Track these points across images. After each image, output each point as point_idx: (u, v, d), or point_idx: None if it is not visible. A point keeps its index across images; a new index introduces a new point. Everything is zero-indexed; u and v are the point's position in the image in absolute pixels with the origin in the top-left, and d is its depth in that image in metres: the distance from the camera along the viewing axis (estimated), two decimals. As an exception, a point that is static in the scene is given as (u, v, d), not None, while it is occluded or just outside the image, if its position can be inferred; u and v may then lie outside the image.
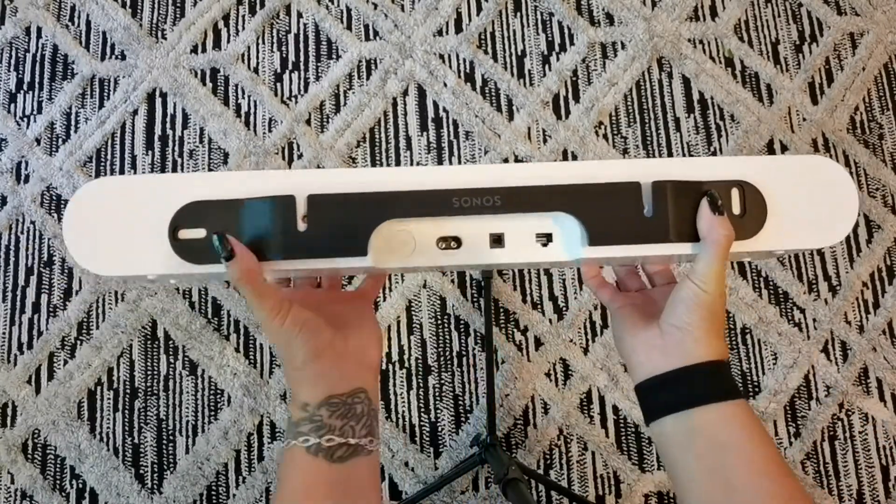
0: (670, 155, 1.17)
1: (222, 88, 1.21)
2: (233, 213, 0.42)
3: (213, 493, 1.05)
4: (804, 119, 1.18)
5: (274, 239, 0.42)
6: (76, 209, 0.44)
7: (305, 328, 0.42)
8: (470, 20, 1.23)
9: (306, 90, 1.21)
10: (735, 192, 0.45)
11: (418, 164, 1.17)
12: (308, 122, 1.19)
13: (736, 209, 0.45)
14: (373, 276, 0.53)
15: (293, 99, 1.20)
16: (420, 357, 1.09)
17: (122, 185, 0.44)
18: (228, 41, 1.23)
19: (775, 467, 0.41)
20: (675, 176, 0.45)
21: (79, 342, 1.10)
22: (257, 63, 1.22)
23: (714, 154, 1.17)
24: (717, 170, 0.46)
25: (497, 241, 0.46)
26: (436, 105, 1.19)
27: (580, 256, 0.45)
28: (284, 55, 1.22)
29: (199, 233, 0.43)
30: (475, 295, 1.11)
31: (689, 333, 0.43)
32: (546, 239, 0.46)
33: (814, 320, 1.10)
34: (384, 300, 1.11)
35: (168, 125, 1.20)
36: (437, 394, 1.08)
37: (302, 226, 0.42)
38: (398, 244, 0.45)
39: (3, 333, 1.11)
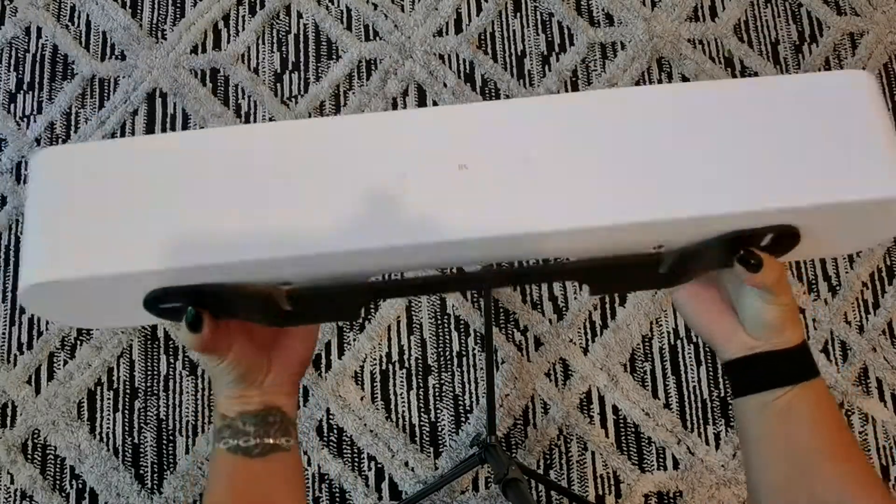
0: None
1: (222, 89, 1.21)
2: (207, 293, 0.39)
3: (213, 493, 1.05)
4: (804, 119, 1.18)
5: (260, 314, 0.41)
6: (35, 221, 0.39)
7: (234, 362, 0.45)
8: (470, 20, 1.23)
9: (306, 90, 1.21)
10: (769, 234, 0.40)
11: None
12: (308, 122, 1.19)
13: (764, 242, 0.40)
14: None
15: (293, 99, 1.21)
16: (420, 357, 1.09)
17: (74, 169, 0.39)
18: (228, 41, 1.23)
19: (841, 437, 0.45)
20: (721, 216, 0.38)
21: (79, 342, 1.10)
22: (257, 63, 1.22)
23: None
24: (757, 206, 0.38)
25: None
26: (436, 105, 1.19)
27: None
28: (284, 55, 1.23)
29: (176, 304, 0.39)
30: (475, 295, 1.11)
31: (782, 336, 0.45)
32: None
33: (814, 320, 1.10)
34: (384, 300, 1.11)
35: (168, 125, 1.20)
36: (437, 394, 1.08)
37: (287, 307, 0.40)
38: None
39: (3, 333, 1.11)
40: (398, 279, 0.40)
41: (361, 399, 1.07)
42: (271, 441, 0.46)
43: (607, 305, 1.11)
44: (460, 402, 1.07)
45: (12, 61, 1.24)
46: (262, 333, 0.48)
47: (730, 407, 1.07)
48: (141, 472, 1.06)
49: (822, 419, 0.44)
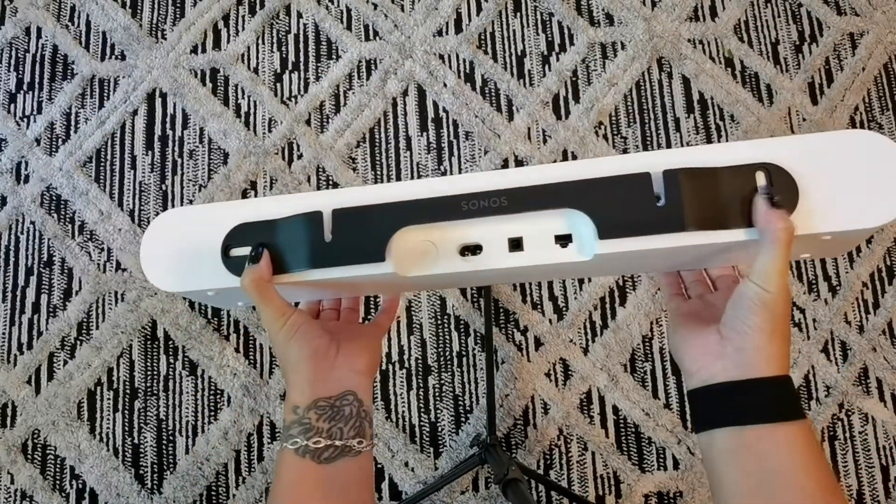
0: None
1: (222, 88, 1.21)
2: (272, 231, 0.48)
3: (213, 493, 1.05)
4: (804, 119, 1.18)
5: (305, 250, 0.47)
6: (150, 239, 0.51)
7: (300, 333, 0.46)
8: (470, 20, 1.23)
9: (306, 90, 1.21)
10: (760, 176, 0.42)
11: (418, 164, 1.17)
12: (308, 122, 1.19)
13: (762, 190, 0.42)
14: (386, 310, 0.57)
15: (293, 99, 1.21)
16: (420, 357, 1.09)
17: (185, 215, 0.52)
18: (228, 41, 1.23)
19: (826, 501, 0.38)
20: (694, 164, 0.43)
21: (79, 342, 1.10)
22: (257, 63, 1.22)
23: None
24: (740, 154, 0.43)
25: (516, 245, 0.46)
26: (436, 105, 1.19)
27: (595, 252, 0.43)
28: (284, 55, 1.23)
29: (246, 250, 0.48)
30: (475, 295, 1.11)
31: (749, 338, 0.40)
32: (565, 240, 0.46)
33: (814, 320, 1.10)
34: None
35: (168, 125, 1.20)
36: (437, 394, 1.08)
37: (329, 237, 0.47)
38: (420, 254, 0.47)
39: (3, 333, 1.11)
40: (418, 199, 0.46)
41: (361, 399, 1.07)
42: (342, 443, 0.44)
43: (607, 305, 1.11)
44: (460, 402, 1.07)
45: (12, 61, 1.24)
46: (331, 326, 0.52)
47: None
48: (141, 472, 1.06)
49: (804, 476, 0.38)
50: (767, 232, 0.40)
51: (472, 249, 0.47)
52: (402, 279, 0.48)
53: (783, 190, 0.42)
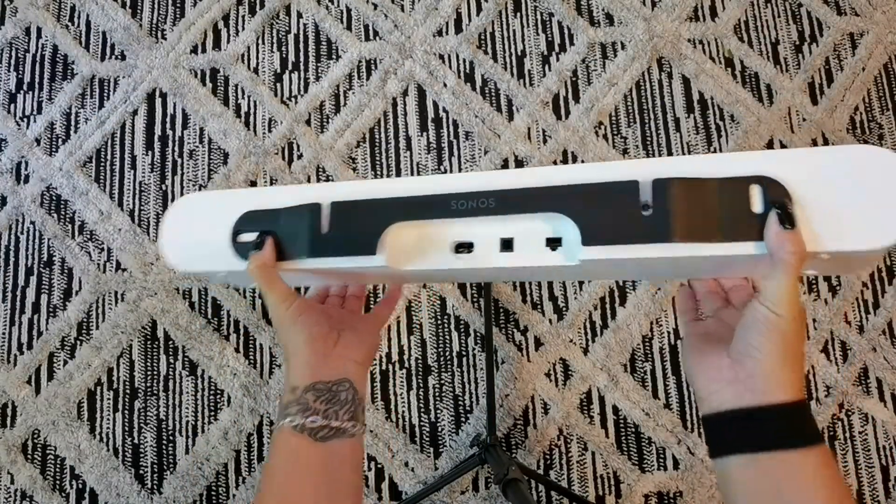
0: (671, 155, 1.17)
1: (222, 88, 1.21)
2: (277, 220, 0.50)
3: (213, 493, 1.05)
4: (804, 119, 1.18)
5: (305, 240, 0.49)
6: (169, 222, 0.54)
7: (302, 319, 0.49)
8: (470, 20, 1.23)
9: (306, 90, 1.21)
10: (755, 190, 0.41)
11: (418, 164, 1.17)
12: (308, 122, 1.19)
13: (757, 207, 0.40)
14: (386, 301, 0.59)
15: (293, 99, 1.21)
16: (420, 357, 1.09)
17: (201, 200, 0.55)
18: (228, 41, 1.23)
19: None
20: (685, 174, 0.42)
21: (79, 342, 1.10)
22: (257, 63, 1.22)
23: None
24: (737, 166, 0.41)
25: (507, 245, 0.47)
26: (436, 105, 1.19)
27: (580, 258, 0.43)
28: (284, 55, 1.23)
29: (252, 236, 0.51)
30: (475, 295, 1.11)
31: (759, 364, 0.39)
32: (555, 243, 0.46)
33: (814, 320, 1.10)
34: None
35: (168, 125, 1.20)
36: (437, 394, 1.08)
37: (326, 228, 0.48)
38: (414, 248, 0.49)
39: (3, 333, 1.11)
40: (409, 196, 0.47)
41: (361, 399, 1.07)
42: (338, 424, 0.46)
43: (607, 305, 1.11)
44: (460, 402, 1.07)
45: (12, 61, 1.24)
46: (333, 313, 0.54)
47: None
48: (141, 472, 1.06)
49: (821, 494, 0.37)
50: (778, 253, 0.38)
51: (465, 247, 0.48)
52: (397, 272, 0.49)
53: (779, 203, 0.41)
